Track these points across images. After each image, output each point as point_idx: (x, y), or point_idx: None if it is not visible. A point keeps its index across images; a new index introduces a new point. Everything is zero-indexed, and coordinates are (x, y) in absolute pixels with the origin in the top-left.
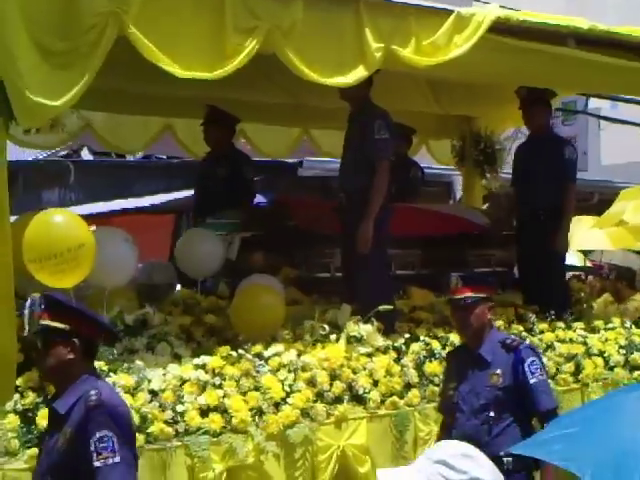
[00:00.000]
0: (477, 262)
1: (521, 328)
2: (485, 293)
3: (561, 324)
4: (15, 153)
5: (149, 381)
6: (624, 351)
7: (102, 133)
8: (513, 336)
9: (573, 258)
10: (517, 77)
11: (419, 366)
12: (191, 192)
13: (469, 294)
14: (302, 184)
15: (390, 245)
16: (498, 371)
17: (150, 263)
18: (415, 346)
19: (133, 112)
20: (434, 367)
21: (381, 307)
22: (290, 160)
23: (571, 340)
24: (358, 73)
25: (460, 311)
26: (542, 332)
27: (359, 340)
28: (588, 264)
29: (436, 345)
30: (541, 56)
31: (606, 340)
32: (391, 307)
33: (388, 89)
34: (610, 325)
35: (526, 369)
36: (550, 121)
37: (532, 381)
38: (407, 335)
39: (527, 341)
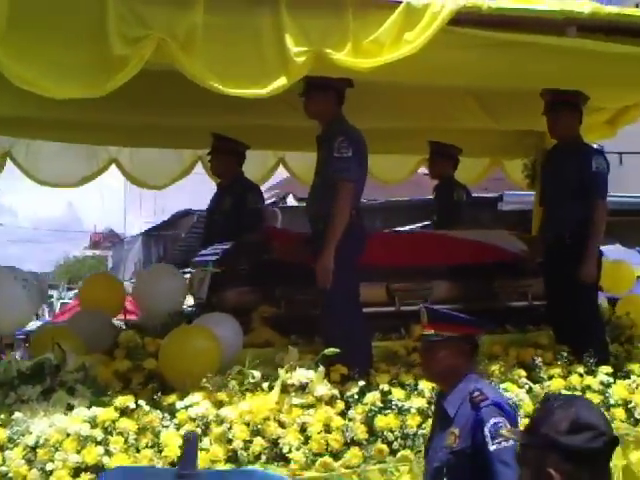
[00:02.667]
0: (509, 295)
1: (523, 373)
2: (455, 332)
3: (580, 368)
4: None
5: (23, 435)
6: None
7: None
8: (483, 387)
9: None
10: (505, 78)
11: (370, 420)
12: None
13: (431, 332)
14: (502, 218)
15: (379, 276)
16: (456, 430)
17: None
18: (371, 396)
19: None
20: (388, 421)
21: (326, 350)
22: (490, 194)
23: (588, 388)
24: (279, 82)
25: (423, 350)
26: (552, 378)
27: (302, 389)
28: None
29: (397, 395)
30: (530, 49)
31: (637, 387)
32: (336, 350)
33: (425, 106)
34: None
35: (486, 433)
36: (577, 128)
37: (492, 448)
38: (363, 382)
39: (498, 396)
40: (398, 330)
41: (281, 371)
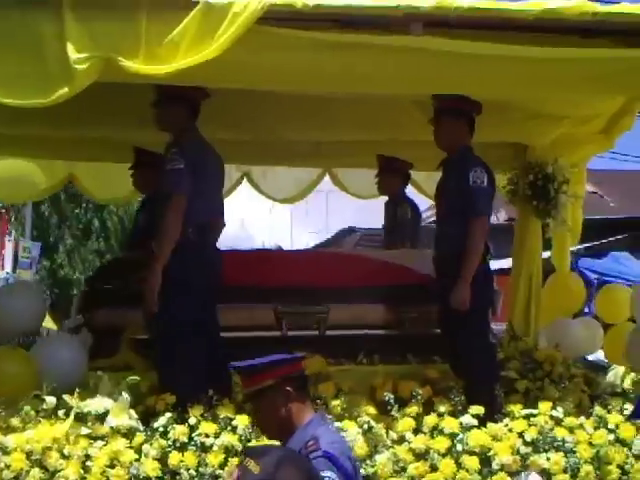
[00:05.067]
0: (414, 322)
1: (372, 410)
2: (268, 380)
3: (443, 407)
4: None
5: None
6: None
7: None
8: (321, 435)
9: None
10: (338, 82)
11: (165, 455)
12: None
13: (248, 389)
14: None
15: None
16: None
17: None
18: (180, 429)
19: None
20: (185, 458)
21: (129, 378)
22: None
23: (440, 432)
24: (61, 91)
25: (252, 410)
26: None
27: (101, 419)
28: None
29: (206, 429)
30: (365, 51)
31: (505, 434)
32: (136, 378)
33: (380, 118)
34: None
35: None
36: (464, 138)
37: None
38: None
39: (334, 445)
40: None
41: (72, 399)
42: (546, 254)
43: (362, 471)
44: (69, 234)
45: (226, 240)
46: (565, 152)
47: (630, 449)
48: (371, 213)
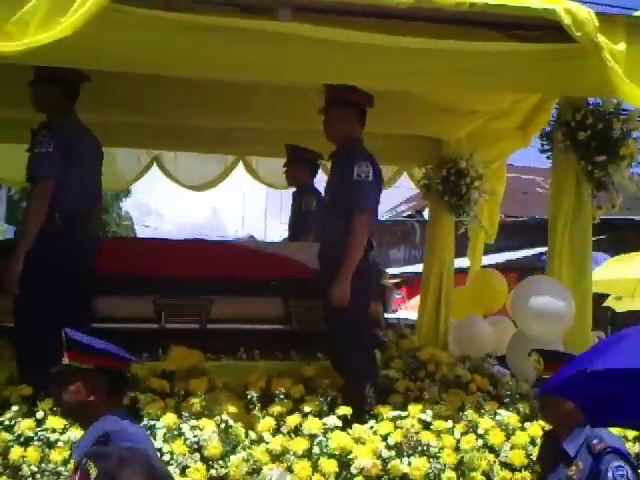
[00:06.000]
0: (301, 317)
1: (233, 409)
2: (89, 363)
3: (308, 407)
4: None
5: None
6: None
7: None
8: (109, 432)
9: None
10: (203, 67)
11: (6, 450)
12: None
13: (68, 361)
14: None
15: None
16: None
17: None
18: (26, 423)
19: None
20: (27, 453)
21: None
22: None
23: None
24: None
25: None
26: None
27: None
28: None
29: (55, 423)
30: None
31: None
32: None
33: (292, 106)
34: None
35: None
36: (353, 130)
37: None
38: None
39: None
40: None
41: None
42: None
43: (214, 472)
44: None
45: (196, 228)
46: (481, 147)
47: (498, 455)
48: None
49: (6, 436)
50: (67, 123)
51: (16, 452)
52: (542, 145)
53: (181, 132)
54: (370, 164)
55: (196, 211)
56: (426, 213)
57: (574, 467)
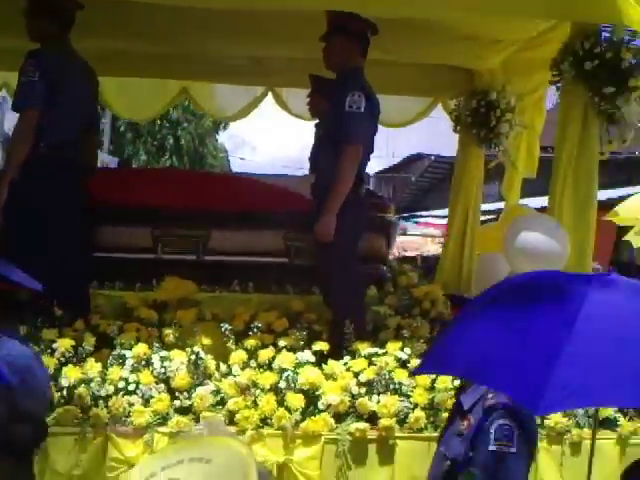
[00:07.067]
0: (301, 251)
1: (207, 341)
2: None
3: (284, 342)
4: None
5: None
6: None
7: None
8: None
9: None
10: None
11: None
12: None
13: None
14: None
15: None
16: None
17: None
18: None
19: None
20: None
21: None
22: None
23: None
24: None
25: None
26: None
27: None
28: None
29: None
30: None
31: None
32: None
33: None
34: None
35: None
36: (352, 58)
37: None
38: None
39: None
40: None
41: None
42: None
43: (178, 403)
44: (144, 150)
45: (289, 162)
46: (517, 78)
47: None
48: (438, 138)
49: None
50: (59, 52)
51: None
52: (552, 76)
53: (207, 62)
54: (363, 95)
55: (288, 147)
56: None
57: (466, 421)
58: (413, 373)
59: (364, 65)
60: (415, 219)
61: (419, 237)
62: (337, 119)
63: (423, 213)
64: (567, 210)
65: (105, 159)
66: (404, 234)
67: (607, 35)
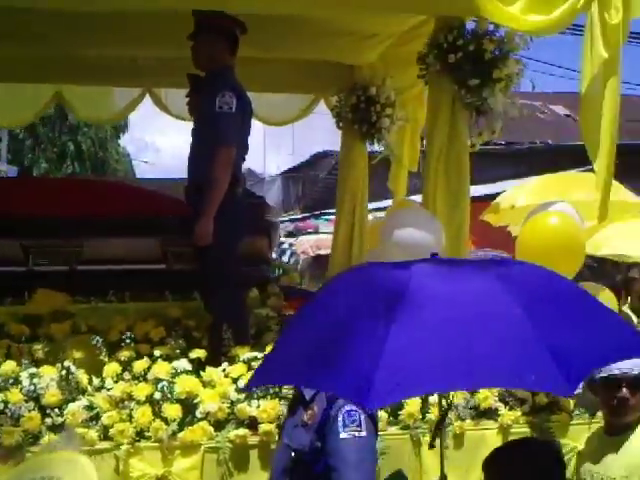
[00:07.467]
0: (179, 257)
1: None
2: None
3: (159, 351)
4: None
5: None
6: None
7: None
8: None
9: None
10: None
11: None
12: None
13: None
14: None
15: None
16: None
17: None
18: None
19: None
20: None
21: None
22: None
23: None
24: None
25: None
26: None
27: None
28: None
29: None
30: None
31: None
32: None
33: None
34: None
35: None
36: (221, 58)
37: None
38: None
39: None
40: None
41: None
42: None
43: (49, 420)
44: (44, 158)
45: None
46: (397, 72)
47: None
48: None
49: None
50: None
51: None
52: (419, 70)
53: (83, 64)
54: (234, 95)
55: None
56: None
57: (310, 411)
58: (242, 390)
59: (234, 64)
60: (326, 217)
61: (332, 234)
62: (208, 120)
63: (333, 210)
64: (440, 202)
65: (2, 168)
66: (316, 232)
67: (472, 28)
